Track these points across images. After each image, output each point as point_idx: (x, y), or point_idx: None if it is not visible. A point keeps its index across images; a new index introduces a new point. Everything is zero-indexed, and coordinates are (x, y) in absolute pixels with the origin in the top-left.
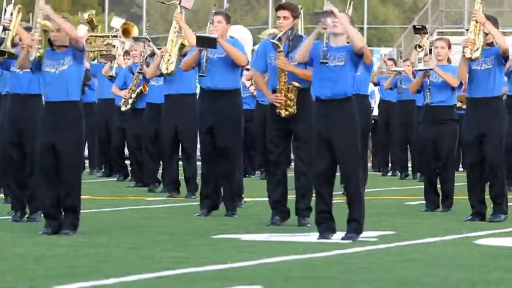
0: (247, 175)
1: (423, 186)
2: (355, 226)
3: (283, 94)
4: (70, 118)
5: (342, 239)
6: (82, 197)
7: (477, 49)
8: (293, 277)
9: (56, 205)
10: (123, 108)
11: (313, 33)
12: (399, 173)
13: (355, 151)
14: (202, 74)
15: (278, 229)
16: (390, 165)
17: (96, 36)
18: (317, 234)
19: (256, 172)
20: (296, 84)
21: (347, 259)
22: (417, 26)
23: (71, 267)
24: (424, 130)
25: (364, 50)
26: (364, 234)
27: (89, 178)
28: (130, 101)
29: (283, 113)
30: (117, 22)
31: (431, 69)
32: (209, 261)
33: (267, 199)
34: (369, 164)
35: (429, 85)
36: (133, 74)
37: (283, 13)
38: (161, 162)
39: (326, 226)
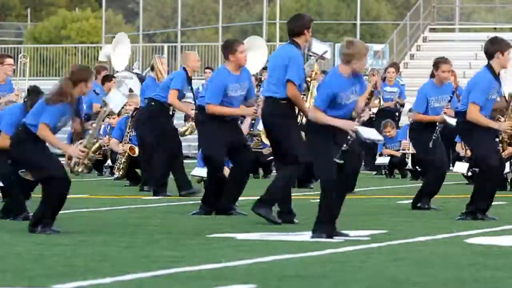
0: None
1: (414, 185)
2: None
3: None
4: None
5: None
6: (80, 196)
7: None
8: (287, 276)
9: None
10: (116, 175)
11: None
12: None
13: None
14: None
15: (272, 228)
16: None
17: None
18: (309, 233)
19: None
20: None
21: (339, 258)
22: None
23: (69, 266)
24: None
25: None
26: (356, 233)
27: (87, 177)
28: (122, 166)
29: None
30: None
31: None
32: (204, 260)
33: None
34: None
35: None
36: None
37: None
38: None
39: (332, 227)
